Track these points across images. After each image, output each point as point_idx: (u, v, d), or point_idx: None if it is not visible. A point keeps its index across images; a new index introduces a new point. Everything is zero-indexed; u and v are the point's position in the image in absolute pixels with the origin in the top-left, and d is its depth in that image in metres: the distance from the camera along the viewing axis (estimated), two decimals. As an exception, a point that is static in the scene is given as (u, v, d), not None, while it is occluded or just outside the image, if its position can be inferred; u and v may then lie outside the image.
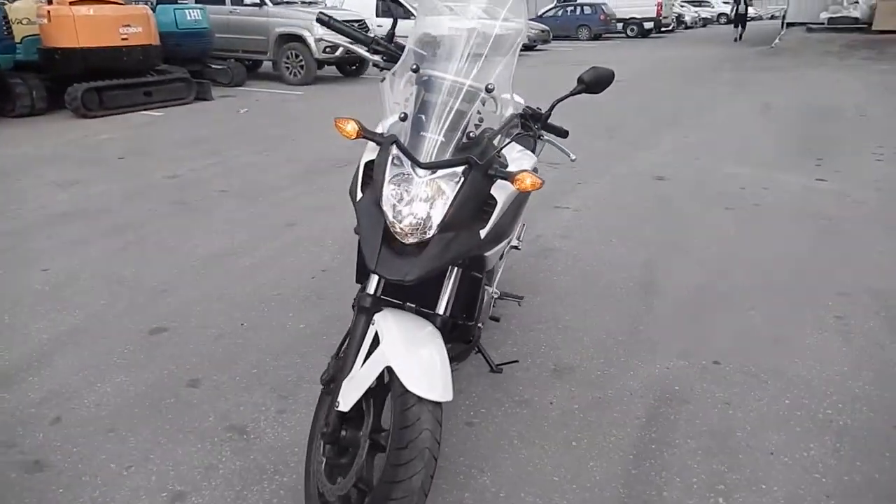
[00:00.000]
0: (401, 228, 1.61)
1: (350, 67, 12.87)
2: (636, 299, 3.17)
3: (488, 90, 1.64)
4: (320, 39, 10.82)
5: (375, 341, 1.63)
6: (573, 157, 2.24)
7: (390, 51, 2.00)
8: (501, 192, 1.72)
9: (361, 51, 2.05)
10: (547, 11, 25.49)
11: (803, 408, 2.31)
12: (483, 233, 1.69)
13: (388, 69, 1.80)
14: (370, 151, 1.77)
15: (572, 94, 1.83)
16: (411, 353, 1.60)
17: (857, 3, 20.87)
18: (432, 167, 1.63)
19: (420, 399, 1.53)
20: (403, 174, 1.63)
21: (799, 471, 2.03)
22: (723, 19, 36.11)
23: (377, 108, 1.81)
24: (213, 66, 11.11)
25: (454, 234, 1.62)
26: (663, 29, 27.59)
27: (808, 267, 3.48)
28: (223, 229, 4.22)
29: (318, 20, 2.09)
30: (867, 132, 6.74)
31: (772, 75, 11.80)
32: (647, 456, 2.11)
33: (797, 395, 2.39)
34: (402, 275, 1.60)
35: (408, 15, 12.91)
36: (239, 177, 5.48)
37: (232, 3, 11.77)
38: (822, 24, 21.42)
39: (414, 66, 1.68)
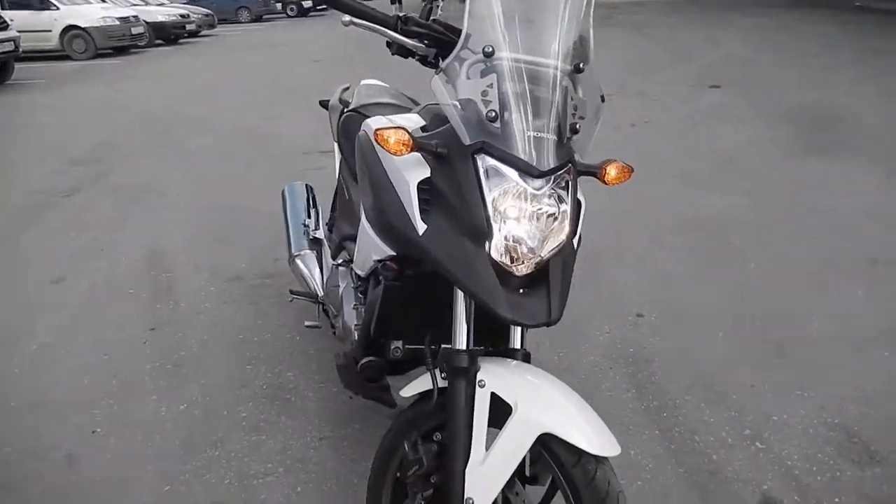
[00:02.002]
0: (518, 255, 1.29)
1: None
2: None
3: (579, 70, 1.33)
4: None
5: (493, 408, 1.32)
6: None
7: (434, 32, 1.49)
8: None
9: (396, 35, 1.48)
10: (201, -6, 24.48)
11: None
12: (575, 241, 1.42)
13: (433, 62, 1.49)
14: (414, 168, 1.38)
15: None
16: (561, 407, 1.30)
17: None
18: (550, 173, 1.29)
19: (598, 460, 1.27)
20: (511, 188, 1.27)
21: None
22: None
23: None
24: None
25: (560, 251, 1.34)
26: (320, 7, 28.46)
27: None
28: None
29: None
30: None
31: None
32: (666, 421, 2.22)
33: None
34: (546, 316, 1.30)
35: None
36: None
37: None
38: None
39: (488, 49, 1.27)
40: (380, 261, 1.58)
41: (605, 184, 1.43)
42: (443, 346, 1.49)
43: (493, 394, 1.32)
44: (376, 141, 1.31)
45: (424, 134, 1.39)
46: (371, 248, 1.62)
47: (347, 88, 2.58)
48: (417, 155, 1.37)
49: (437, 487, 1.46)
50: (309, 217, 2.60)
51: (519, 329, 1.46)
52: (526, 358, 1.45)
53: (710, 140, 5.46)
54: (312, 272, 2.43)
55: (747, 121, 5.89)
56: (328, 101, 2.61)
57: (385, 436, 1.58)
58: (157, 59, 13.42)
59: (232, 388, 2.47)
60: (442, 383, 1.41)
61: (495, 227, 1.27)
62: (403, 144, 1.30)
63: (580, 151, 1.36)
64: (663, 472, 2.02)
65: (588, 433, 1.26)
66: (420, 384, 1.48)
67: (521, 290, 1.32)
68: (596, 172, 1.42)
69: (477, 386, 1.34)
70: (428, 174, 1.36)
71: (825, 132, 5.30)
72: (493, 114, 1.26)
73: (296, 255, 2.50)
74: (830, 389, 2.38)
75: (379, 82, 2.59)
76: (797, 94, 6.77)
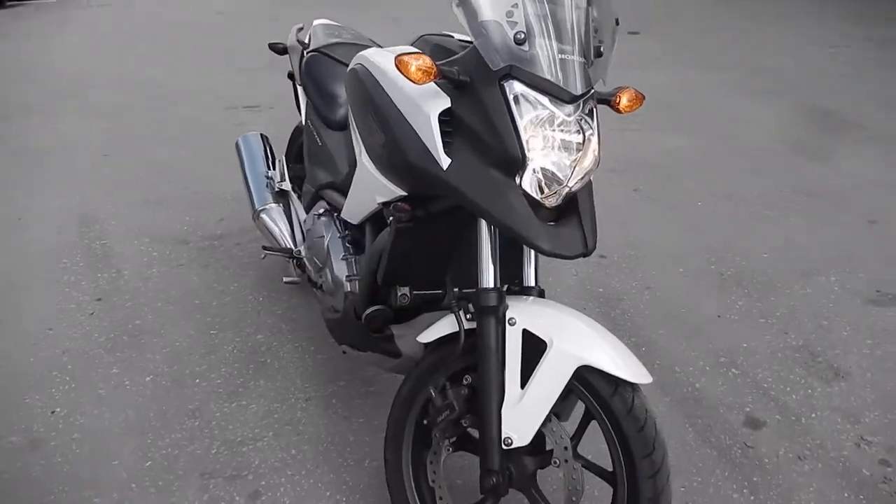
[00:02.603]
0: (548, 186, 1.25)
1: None
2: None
3: None
4: None
5: (527, 346, 1.29)
6: None
7: None
8: None
9: None
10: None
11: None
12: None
13: None
14: (433, 98, 1.30)
15: None
16: (594, 340, 1.29)
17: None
18: (580, 98, 1.24)
19: (633, 388, 1.28)
20: (543, 116, 1.22)
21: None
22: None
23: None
24: None
25: (587, 181, 1.31)
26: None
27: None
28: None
29: None
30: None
31: None
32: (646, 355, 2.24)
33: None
34: (582, 246, 1.28)
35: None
36: None
37: None
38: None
39: None
40: (386, 203, 1.51)
41: (618, 112, 1.40)
42: (463, 290, 1.46)
43: (524, 331, 1.29)
44: (397, 68, 1.22)
45: (444, 60, 1.31)
46: (374, 191, 1.55)
47: (301, 28, 2.44)
48: (433, 85, 1.30)
49: (465, 432, 1.44)
50: (271, 168, 2.45)
51: (533, 265, 1.44)
52: (541, 295, 1.43)
53: (642, 84, 5.55)
54: (281, 227, 2.30)
55: (673, 65, 6.03)
56: (279, 44, 2.46)
57: (403, 384, 1.53)
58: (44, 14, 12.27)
59: (199, 355, 2.34)
60: (468, 325, 1.37)
61: (529, 156, 1.23)
62: (425, 72, 1.22)
63: (601, 76, 1.32)
64: (652, 402, 2.07)
65: (623, 363, 1.27)
66: (442, 327, 1.43)
67: (553, 223, 1.30)
68: (609, 100, 1.38)
69: (507, 324, 1.31)
70: (447, 105, 1.30)
71: (752, 77, 5.48)
72: (521, 36, 1.19)
73: (261, 211, 2.36)
74: (789, 314, 2.51)
75: (332, 22, 2.46)
76: (718, 39, 6.96)
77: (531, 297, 1.41)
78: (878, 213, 3.26)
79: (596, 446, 1.36)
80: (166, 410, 2.09)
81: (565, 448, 1.33)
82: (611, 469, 1.35)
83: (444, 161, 1.28)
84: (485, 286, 1.34)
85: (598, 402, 1.30)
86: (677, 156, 4.00)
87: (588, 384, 1.29)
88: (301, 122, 2.32)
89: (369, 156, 1.55)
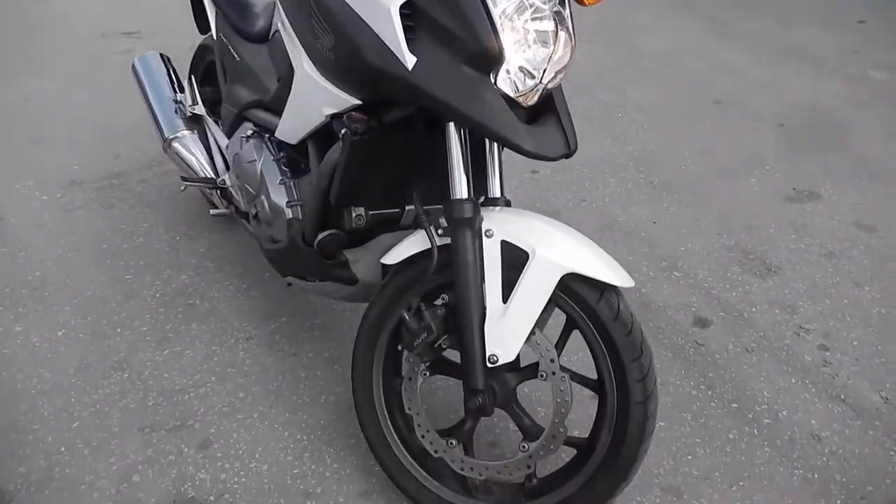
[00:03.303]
0: (523, 85, 1.17)
1: None
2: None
3: None
4: None
5: (505, 258, 1.22)
6: None
7: None
8: None
9: None
10: None
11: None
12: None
13: None
14: None
15: None
16: (576, 247, 1.23)
17: None
18: None
19: (618, 293, 1.24)
20: (516, 4, 1.13)
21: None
22: None
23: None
24: None
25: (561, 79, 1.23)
26: None
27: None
28: None
29: None
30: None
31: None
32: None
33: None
34: (565, 146, 1.22)
35: None
36: None
37: None
38: None
39: None
40: (336, 115, 1.36)
41: (583, 4, 1.29)
42: (424, 206, 1.36)
43: (503, 242, 1.22)
44: None
45: None
46: (320, 102, 1.39)
47: None
48: None
49: (441, 355, 1.36)
50: (178, 92, 2.19)
51: (498, 175, 1.36)
52: (508, 205, 1.36)
53: None
54: (198, 155, 2.08)
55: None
56: None
57: (369, 310, 1.43)
58: None
59: (116, 302, 2.12)
60: (440, 241, 1.27)
61: (506, 49, 1.13)
62: None
63: None
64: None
65: (607, 268, 1.23)
66: (409, 246, 1.33)
67: (530, 125, 1.22)
68: None
69: (484, 236, 1.23)
70: None
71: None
72: None
73: (173, 139, 2.12)
74: (719, 216, 2.57)
75: None
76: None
77: (505, 208, 1.33)
78: (785, 117, 3.38)
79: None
80: (87, 365, 1.89)
81: (551, 360, 1.28)
82: (595, 378, 1.32)
83: (409, 60, 1.14)
84: (458, 197, 1.24)
85: (583, 310, 1.25)
86: (592, 66, 3.97)
87: (572, 293, 1.24)
88: (210, 36, 2.07)
89: (313, 63, 1.38)
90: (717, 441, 1.64)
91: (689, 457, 1.60)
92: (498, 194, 1.35)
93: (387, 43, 1.16)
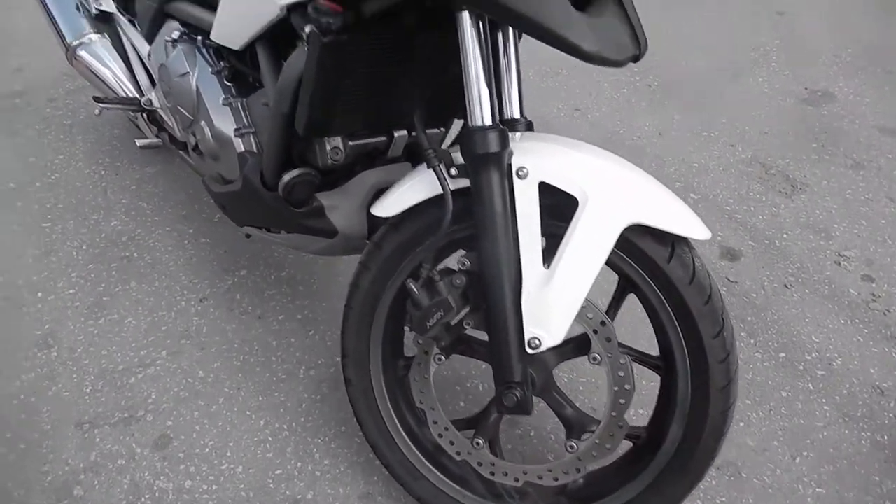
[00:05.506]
0: None
1: None
2: None
3: None
4: None
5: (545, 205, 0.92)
6: None
7: None
8: None
9: None
10: None
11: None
12: None
13: None
14: None
15: None
16: (640, 187, 0.94)
17: None
18: None
19: (690, 247, 0.97)
20: None
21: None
22: None
23: None
24: None
25: None
26: None
27: None
28: None
29: None
30: None
31: None
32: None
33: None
34: (635, 47, 0.91)
35: None
36: None
37: None
38: None
39: None
40: (296, 5, 0.96)
41: None
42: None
43: (542, 184, 0.91)
44: None
45: None
46: None
47: None
48: None
49: (464, 335, 1.06)
50: None
51: (516, 89, 1.02)
52: (530, 129, 1.03)
53: None
54: (113, 66, 1.63)
55: None
56: None
57: (359, 277, 1.09)
58: None
59: (33, 258, 1.73)
60: (454, 185, 0.94)
61: None
62: None
63: None
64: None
65: (680, 217, 0.93)
66: (410, 192, 1.01)
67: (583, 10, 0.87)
68: None
69: (516, 177, 0.91)
70: None
71: None
72: None
73: (77, 47, 1.65)
74: (729, 124, 2.28)
75: None
76: None
77: (527, 134, 1.00)
78: (784, 3, 3.05)
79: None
80: (9, 343, 1.52)
81: (608, 339, 0.99)
82: (656, 355, 1.05)
83: None
84: (478, 123, 0.90)
85: (648, 272, 0.96)
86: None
87: (634, 249, 0.94)
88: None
89: None
90: (771, 402, 1.42)
91: (742, 423, 1.37)
92: (517, 115, 1.02)
93: None
